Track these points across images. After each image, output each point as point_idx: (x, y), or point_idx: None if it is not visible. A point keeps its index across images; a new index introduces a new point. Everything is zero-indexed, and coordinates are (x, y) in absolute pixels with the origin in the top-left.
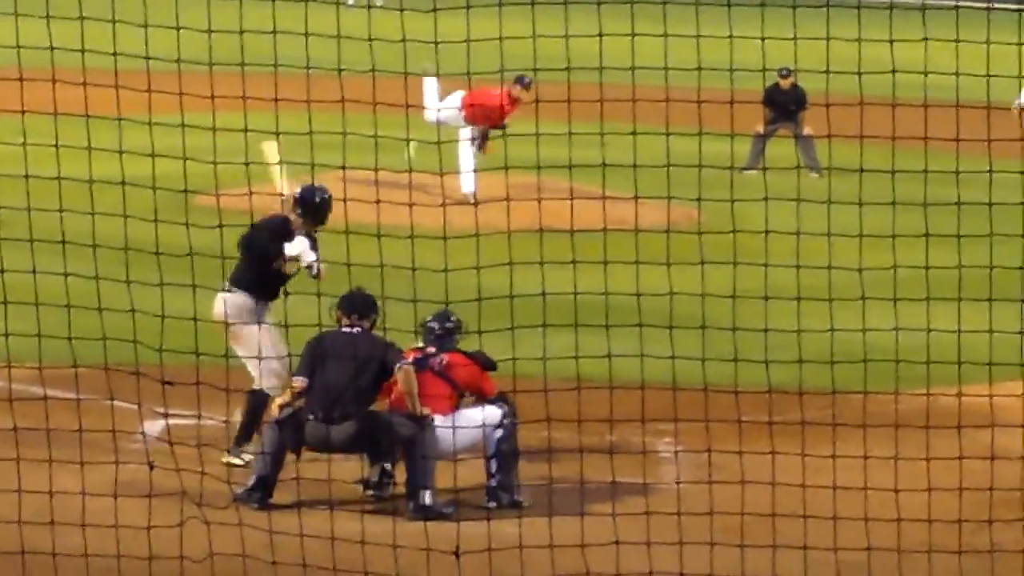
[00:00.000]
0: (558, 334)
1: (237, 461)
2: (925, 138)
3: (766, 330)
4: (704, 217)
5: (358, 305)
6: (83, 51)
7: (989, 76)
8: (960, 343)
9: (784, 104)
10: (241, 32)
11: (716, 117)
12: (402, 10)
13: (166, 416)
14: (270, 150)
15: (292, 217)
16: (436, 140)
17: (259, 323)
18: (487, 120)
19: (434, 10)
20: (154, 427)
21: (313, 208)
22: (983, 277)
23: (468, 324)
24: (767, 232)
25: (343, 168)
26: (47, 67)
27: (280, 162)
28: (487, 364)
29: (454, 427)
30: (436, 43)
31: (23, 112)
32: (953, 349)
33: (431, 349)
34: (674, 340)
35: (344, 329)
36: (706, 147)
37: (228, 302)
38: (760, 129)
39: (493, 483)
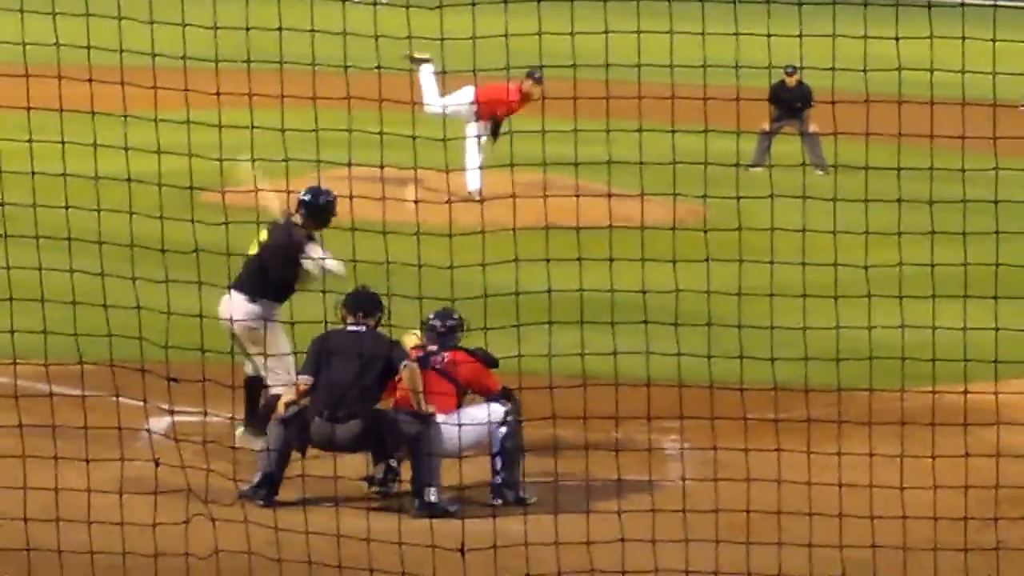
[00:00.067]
0: (564, 331)
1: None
2: (931, 136)
3: (772, 327)
4: (710, 214)
5: (363, 303)
6: (89, 48)
7: (995, 73)
8: (966, 340)
9: (790, 102)
10: (247, 29)
11: (722, 114)
12: (408, 7)
13: (172, 413)
14: (244, 173)
15: (296, 219)
16: (442, 137)
17: (275, 322)
18: (499, 114)
19: (440, 7)
20: (160, 424)
21: (318, 210)
22: (989, 275)
23: (470, 322)
24: (773, 229)
25: (349, 165)
26: (53, 64)
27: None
28: (488, 361)
29: (459, 424)
30: (442, 40)
31: (29, 109)
32: (959, 347)
33: (432, 347)
34: (680, 337)
35: (349, 327)
36: (712, 144)
37: (251, 312)
38: (766, 127)
39: (498, 480)
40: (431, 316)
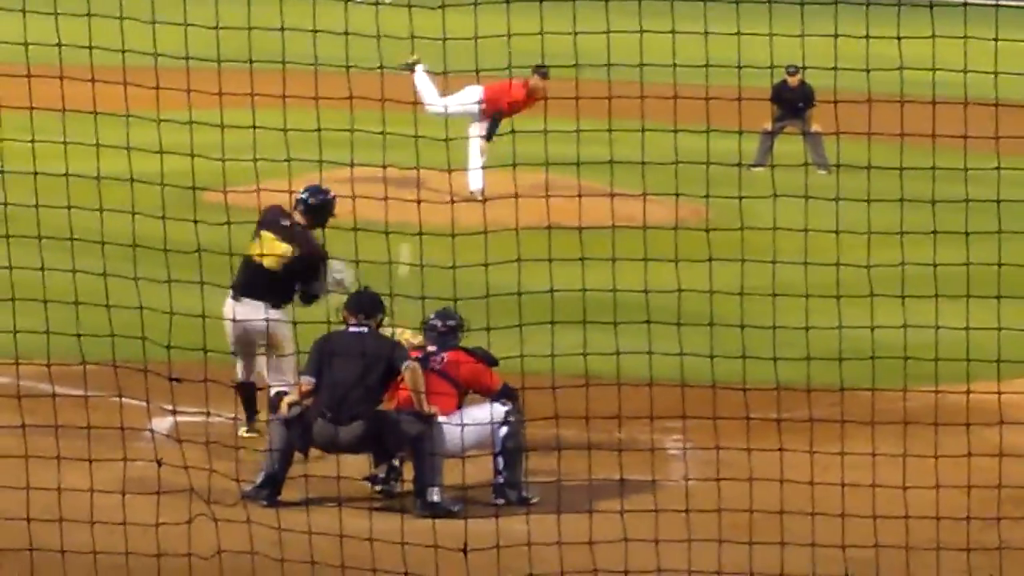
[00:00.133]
0: (566, 331)
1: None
2: (933, 135)
3: (774, 327)
4: (712, 214)
5: (365, 305)
6: (91, 48)
7: (997, 73)
8: (968, 340)
9: (792, 101)
10: (249, 29)
11: (724, 114)
12: (410, 7)
13: (174, 413)
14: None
15: (298, 217)
16: (444, 137)
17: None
18: (511, 113)
19: (442, 7)
20: (162, 424)
21: (317, 209)
22: (991, 274)
23: (470, 322)
24: (775, 229)
25: (351, 165)
26: (55, 64)
27: None
28: (489, 360)
29: (462, 424)
30: (444, 40)
31: (31, 109)
32: (961, 346)
33: (431, 348)
34: (682, 337)
35: (351, 329)
36: (714, 144)
37: (272, 316)
38: (768, 126)
39: (500, 480)
40: (431, 316)
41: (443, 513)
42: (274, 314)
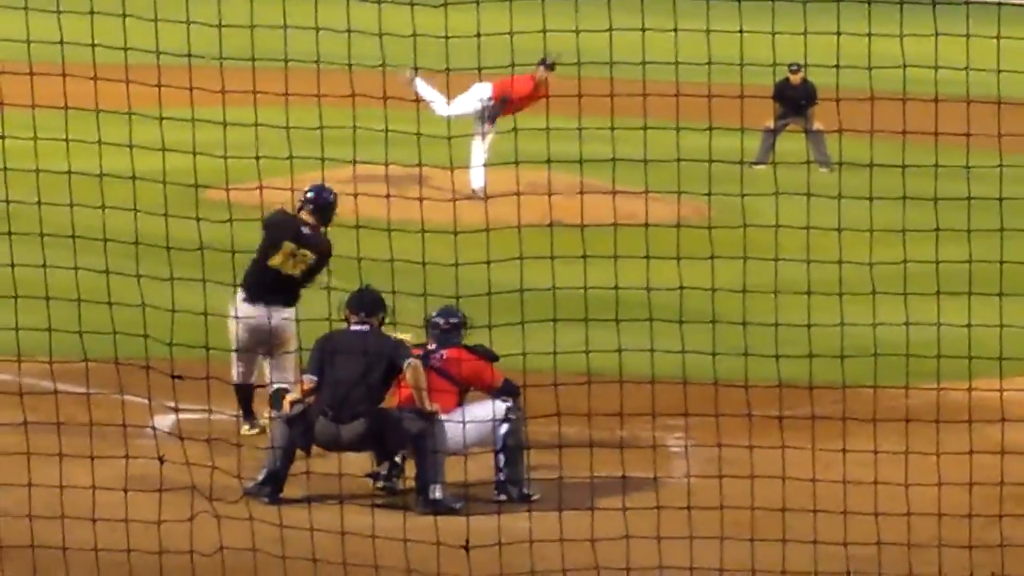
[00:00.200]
0: (568, 328)
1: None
2: (935, 133)
3: (776, 325)
4: (714, 212)
5: (366, 303)
6: (93, 45)
7: (999, 71)
8: (970, 338)
9: (794, 99)
10: (251, 27)
11: (726, 112)
12: (412, 4)
13: (176, 410)
14: None
15: (304, 216)
16: (447, 135)
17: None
18: (517, 110)
19: (444, 4)
20: (164, 421)
21: (325, 207)
22: (993, 272)
23: (474, 319)
24: (777, 227)
25: (353, 163)
26: (57, 61)
27: None
28: (489, 357)
29: (464, 422)
30: (447, 38)
31: (33, 106)
32: (963, 344)
33: (431, 345)
34: (684, 335)
35: (353, 327)
36: (716, 142)
37: (284, 321)
38: (770, 124)
39: (501, 477)
40: (434, 314)
41: (445, 510)
42: (286, 313)
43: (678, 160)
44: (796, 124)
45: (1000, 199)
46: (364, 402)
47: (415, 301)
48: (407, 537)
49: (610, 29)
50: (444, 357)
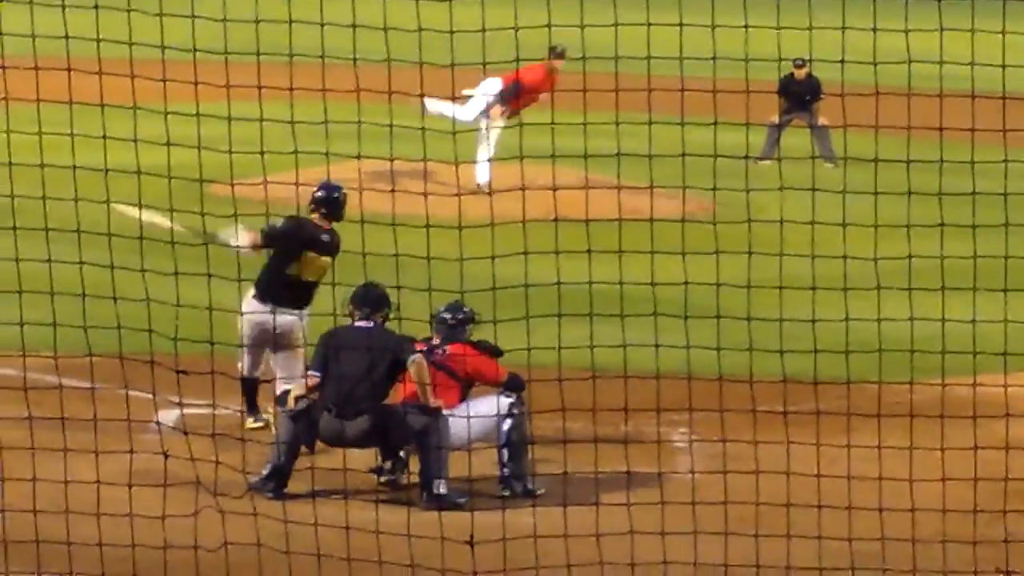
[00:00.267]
0: (573, 324)
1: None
2: (940, 128)
3: (781, 320)
4: (719, 207)
5: (370, 299)
6: (98, 40)
7: (1005, 66)
8: (975, 333)
9: (799, 94)
10: (256, 21)
11: (731, 107)
12: None
13: (181, 405)
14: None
15: (316, 218)
16: (452, 130)
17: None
18: (530, 100)
19: None
20: (169, 416)
21: (335, 205)
22: (998, 267)
23: (481, 315)
24: (782, 222)
25: (359, 158)
26: (62, 56)
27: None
28: (493, 352)
29: (468, 417)
30: (451, 32)
31: (38, 101)
32: (968, 339)
33: (436, 340)
34: (689, 330)
35: (357, 323)
36: (721, 137)
37: (296, 321)
38: (775, 119)
39: (506, 472)
40: (441, 309)
41: (449, 505)
42: (296, 313)
43: (683, 155)
44: (801, 119)
45: (1005, 194)
46: (368, 398)
47: (420, 296)
48: (411, 532)
49: (615, 24)
50: (448, 353)
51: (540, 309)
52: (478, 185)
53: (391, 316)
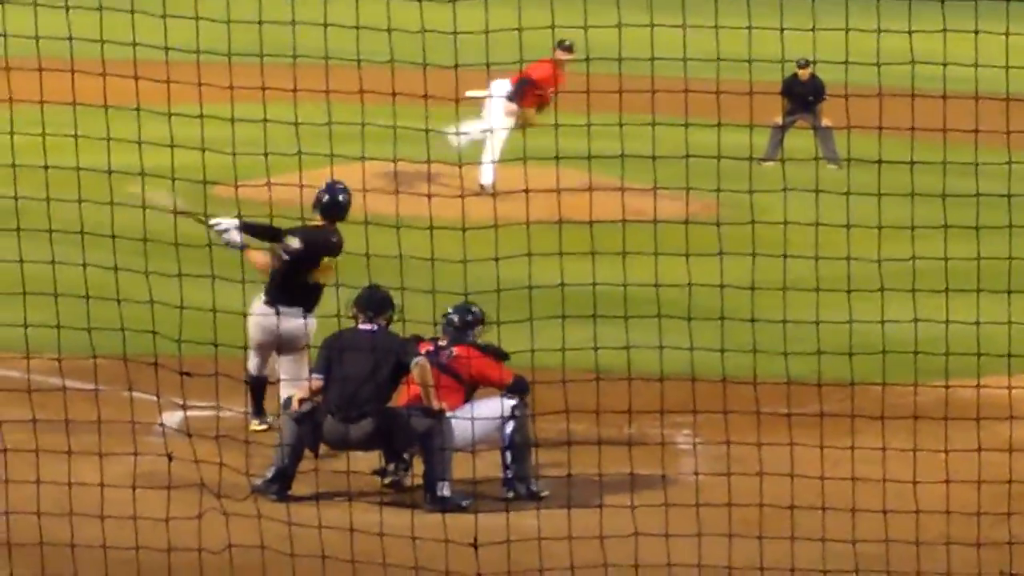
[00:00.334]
0: (576, 325)
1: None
2: (944, 129)
3: (784, 322)
4: (723, 208)
5: (374, 303)
6: (102, 41)
7: (1008, 68)
8: (979, 335)
9: (803, 95)
10: (260, 23)
11: (735, 108)
12: (421, 0)
13: (184, 407)
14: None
15: (319, 218)
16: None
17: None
18: (539, 98)
19: (452, 0)
20: (173, 418)
21: (340, 207)
22: (1002, 269)
23: (490, 317)
24: (786, 223)
25: (362, 159)
26: (66, 57)
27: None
28: (498, 355)
29: (472, 419)
30: (455, 34)
31: (42, 102)
32: (972, 341)
33: (442, 342)
34: (692, 332)
35: (361, 327)
36: (725, 138)
37: (305, 324)
38: (779, 120)
39: (509, 474)
40: (450, 310)
41: (453, 507)
42: (305, 318)
43: (687, 156)
44: (804, 120)
45: (1008, 196)
46: (372, 401)
47: (424, 297)
48: (415, 535)
49: (619, 25)
50: (452, 355)
51: (544, 311)
52: (482, 187)
53: (395, 319)
